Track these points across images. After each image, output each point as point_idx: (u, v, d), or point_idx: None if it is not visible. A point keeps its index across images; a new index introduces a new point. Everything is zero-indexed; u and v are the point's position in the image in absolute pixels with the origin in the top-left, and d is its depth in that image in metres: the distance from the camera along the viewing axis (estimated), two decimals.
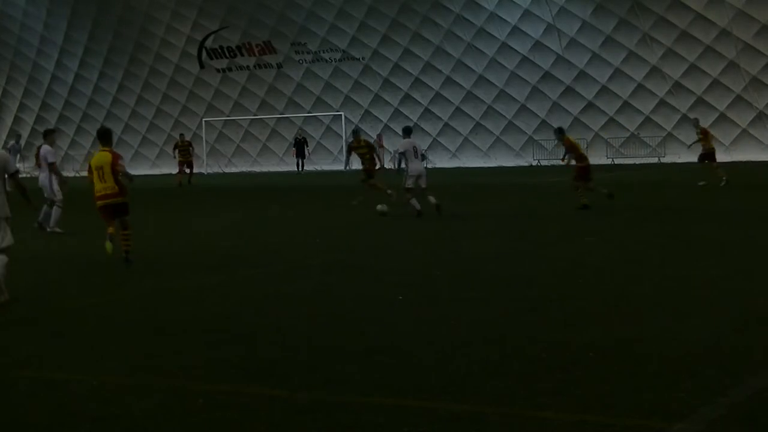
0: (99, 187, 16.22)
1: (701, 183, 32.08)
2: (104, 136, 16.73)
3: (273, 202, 29.38)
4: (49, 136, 22.95)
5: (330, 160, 60.49)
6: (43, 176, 22.12)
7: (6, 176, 12.34)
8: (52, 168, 21.98)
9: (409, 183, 23.78)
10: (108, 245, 15.92)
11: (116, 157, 16.38)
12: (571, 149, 25.13)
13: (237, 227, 23.01)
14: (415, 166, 23.92)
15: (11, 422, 7.09)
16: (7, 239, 12.15)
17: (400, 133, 58.12)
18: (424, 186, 23.73)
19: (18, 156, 48.23)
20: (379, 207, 23.84)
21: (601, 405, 6.95)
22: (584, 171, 24.60)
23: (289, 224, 23.53)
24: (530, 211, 24.57)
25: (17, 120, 70.15)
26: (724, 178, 31.40)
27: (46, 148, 22.23)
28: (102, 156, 16.33)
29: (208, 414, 7.07)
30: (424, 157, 26.01)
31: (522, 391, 7.37)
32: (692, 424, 6.46)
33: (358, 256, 16.43)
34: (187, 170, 44.70)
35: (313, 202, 30.02)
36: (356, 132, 30.70)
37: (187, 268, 15.44)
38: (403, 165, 24.20)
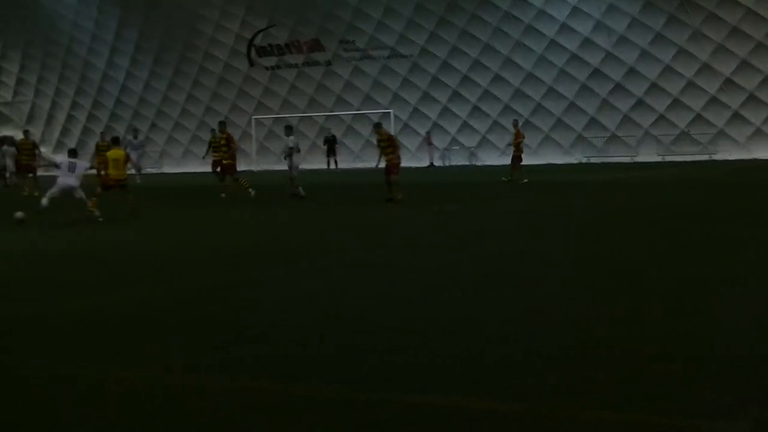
0: (114, 173, 24.37)
1: (504, 179, 36.60)
2: (118, 141, 26.76)
3: (312, 201, 29.37)
4: None
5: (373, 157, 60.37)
6: None
7: None
8: None
9: (295, 173, 30.24)
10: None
11: (127, 155, 25.93)
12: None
13: (259, 225, 23.12)
14: (296, 161, 30.47)
15: (12, 422, 7.11)
16: None
17: (449, 130, 58.44)
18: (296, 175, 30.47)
19: (140, 152, 48.38)
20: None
21: (634, 404, 6.89)
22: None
23: (311, 222, 23.45)
24: (569, 209, 24.34)
25: (70, 118, 70.89)
26: (508, 179, 36.29)
27: None
28: (117, 152, 25.12)
29: (218, 413, 7.07)
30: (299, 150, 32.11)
31: (547, 389, 7.32)
32: (736, 422, 6.46)
33: (378, 255, 16.22)
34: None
35: (339, 200, 30.14)
36: (222, 123, 34.48)
37: (205, 267, 15.33)
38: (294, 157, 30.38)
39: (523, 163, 37.47)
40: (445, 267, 14.42)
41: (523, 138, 38.61)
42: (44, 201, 24.05)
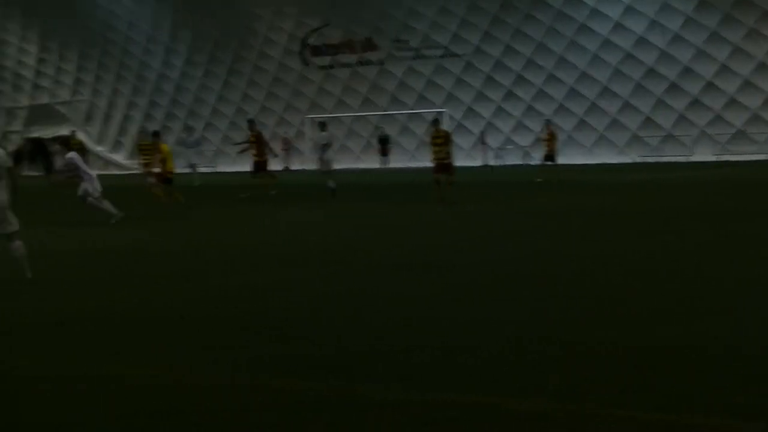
0: (171, 167, 27.81)
1: (538, 179, 37.04)
2: (159, 134, 30.05)
3: (340, 201, 29.43)
4: None
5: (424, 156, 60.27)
6: None
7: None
8: None
9: (327, 168, 31.69)
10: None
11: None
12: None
13: (280, 227, 23.22)
14: (330, 156, 32.26)
15: (12, 422, 7.15)
16: (13, 225, 13.93)
17: (503, 130, 58.02)
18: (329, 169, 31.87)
19: (196, 150, 48.49)
20: None
21: (680, 404, 6.91)
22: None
23: (334, 222, 23.49)
24: (608, 208, 24.08)
25: (127, 117, 71.39)
26: (557, 179, 36.35)
27: None
28: (167, 147, 28.40)
29: (225, 412, 7.11)
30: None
31: (574, 386, 7.31)
32: (749, 422, 6.47)
33: (399, 256, 16.15)
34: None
35: (376, 200, 30.23)
36: (251, 122, 35.78)
37: (226, 268, 15.35)
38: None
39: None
40: (466, 267, 14.37)
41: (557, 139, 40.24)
42: (104, 204, 23.72)
